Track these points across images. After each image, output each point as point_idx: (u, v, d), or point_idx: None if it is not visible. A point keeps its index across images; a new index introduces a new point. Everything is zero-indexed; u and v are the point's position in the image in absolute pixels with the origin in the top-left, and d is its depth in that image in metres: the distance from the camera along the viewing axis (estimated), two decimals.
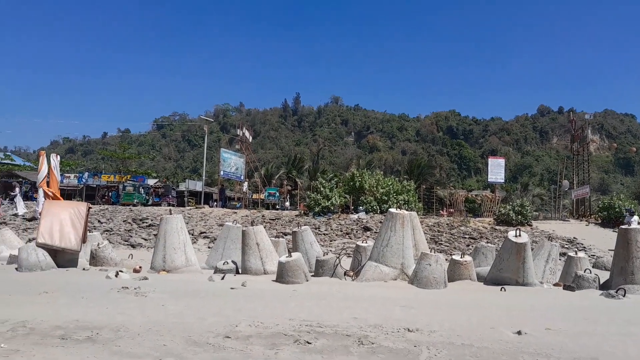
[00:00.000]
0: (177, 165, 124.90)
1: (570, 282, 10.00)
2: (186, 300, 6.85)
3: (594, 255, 19.63)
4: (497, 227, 25.90)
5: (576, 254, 11.91)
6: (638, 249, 9.25)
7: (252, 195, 40.99)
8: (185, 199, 38.52)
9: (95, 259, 11.59)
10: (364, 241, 11.89)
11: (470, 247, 20.46)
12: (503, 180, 39.08)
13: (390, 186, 30.80)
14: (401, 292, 8.47)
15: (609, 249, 18.80)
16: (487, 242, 18.14)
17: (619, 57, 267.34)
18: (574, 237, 23.97)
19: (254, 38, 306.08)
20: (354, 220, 26.12)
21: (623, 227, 9.96)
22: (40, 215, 11.92)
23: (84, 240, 11.39)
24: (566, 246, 21.46)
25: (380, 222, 20.23)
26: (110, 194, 36.99)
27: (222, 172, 36.99)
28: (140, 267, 10.80)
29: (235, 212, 29.13)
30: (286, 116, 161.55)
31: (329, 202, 28.29)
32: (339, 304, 6.88)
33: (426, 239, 15.53)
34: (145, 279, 9.03)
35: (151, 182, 43.96)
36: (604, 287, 9.60)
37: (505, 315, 6.40)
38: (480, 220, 28.81)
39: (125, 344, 4.46)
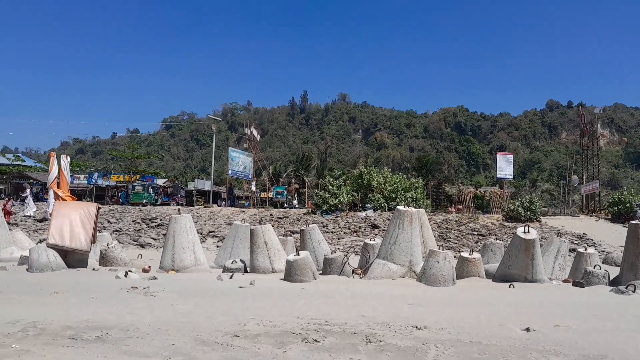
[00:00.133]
0: (185, 164, 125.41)
1: (580, 278, 9.93)
2: (195, 300, 6.89)
3: (603, 251, 19.49)
4: (506, 224, 25.77)
5: (586, 249, 11.83)
6: None
7: (260, 194, 41.08)
8: (194, 198, 38.64)
9: (104, 259, 11.68)
10: (372, 239, 11.88)
11: (478, 244, 20.38)
12: (512, 176, 38.85)
13: (398, 183, 30.72)
14: (409, 289, 8.46)
15: (619, 245, 18.65)
16: (496, 239, 18.09)
17: (628, 50, 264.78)
18: (584, 233, 23.81)
19: (261, 37, 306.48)
20: (361, 218, 26.10)
21: (633, 222, 9.88)
22: (50, 216, 12.03)
23: (93, 240, 11.47)
24: (576, 242, 21.32)
25: (388, 219, 20.19)
26: (119, 194, 37.18)
27: (230, 171, 37.09)
28: (149, 266, 10.87)
29: (244, 211, 29.21)
30: (294, 114, 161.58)
31: (337, 200, 28.29)
32: (347, 302, 6.89)
33: (434, 236, 15.50)
34: (155, 278, 9.09)
35: (160, 181, 44.14)
36: (614, 283, 9.53)
37: (513, 312, 6.38)
38: (488, 217, 28.68)
39: (134, 344, 4.50)
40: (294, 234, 21.18)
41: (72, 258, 10.83)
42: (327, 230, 23.01)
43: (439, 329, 5.28)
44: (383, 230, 21.85)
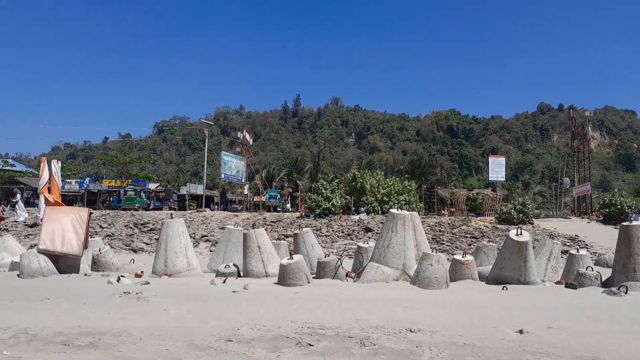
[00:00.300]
0: (178, 169, 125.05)
1: (572, 280, 9.98)
2: (188, 304, 6.85)
3: (595, 253, 19.61)
4: (499, 226, 25.87)
5: (578, 251, 11.90)
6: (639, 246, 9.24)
7: (253, 198, 40.98)
8: (187, 202, 38.50)
9: (97, 264, 11.60)
10: (366, 242, 11.89)
11: (471, 246, 20.44)
12: (504, 179, 39.03)
13: (392, 186, 30.77)
14: (403, 292, 8.46)
15: (611, 246, 18.77)
16: (489, 241, 18.15)
17: (618, 53, 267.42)
18: (576, 235, 23.95)
19: (253, 40, 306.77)
20: (355, 221, 26.10)
21: (625, 224, 9.94)
22: (41, 221, 11.95)
23: (85, 245, 11.40)
24: (568, 244, 21.43)
25: (382, 222, 20.22)
26: (111, 199, 36.99)
27: (223, 175, 36.98)
28: (142, 271, 10.80)
29: (237, 215, 29.13)
30: (286, 118, 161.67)
31: (330, 203, 28.28)
32: (341, 306, 6.88)
33: (428, 239, 15.51)
34: (147, 283, 9.04)
35: (152, 186, 43.99)
36: (606, 284, 9.58)
37: (507, 315, 6.39)
38: (481, 220, 28.78)
39: (127, 349, 4.47)
40: (287, 237, 21.13)
41: (64, 263, 10.75)
42: (320, 234, 22.99)
43: (433, 331, 5.28)
44: (376, 233, 21.87)
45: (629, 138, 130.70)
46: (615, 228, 23.11)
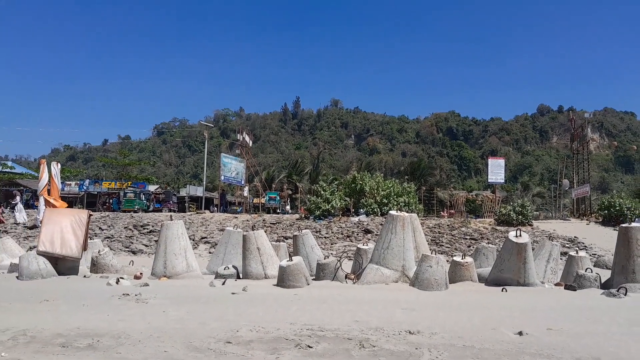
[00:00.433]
0: (177, 171, 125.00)
1: (572, 281, 9.98)
2: (187, 306, 6.85)
3: (595, 254, 19.62)
4: (498, 228, 25.89)
5: (577, 253, 11.90)
6: (639, 248, 9.24)
7: (252, 200, 41.02)
8: (186, 204, 38.50)
9: (96, 266, 11.59)
10: (365, 244, 11.89)
11: (471, 248, 20.45)
12: (503, 181, 39.08)
13: (391, 188, 30.79)
14: (402, 294, 8.46)
15: (610, 248, 18.78)
16: (488, 243, 18.12)
17: (618, 54, 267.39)
18: (575, 237, 23.95)
19: (253, 42, 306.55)
20: (354, 223, 26.11)
21: (624, 225, 9.94)
22: (41, 223, 11.95)
23: (84, 247, 11.39)
24: (567, 245, 21.45)
25: (381, 224, 20.23)
26: (111, 200, 36.97)
27: (222, 177, 37.01)
28: (141, 273, 10.80)
29: (236, 217, 29.13)
30: (286, 120, 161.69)
31: (330, 205, 28.30)
32: (340, 308, 6.88)
33: (427, 241, 15.51)
34: (146, 285, 9.03)
35: (152, 188, 43.96)
36: (606, 286, 9.58)
37: (506, 316, 6.39)
38: (481, 221, 28.80)
39: (126, 351, 4.47)
40: (286, 239, 21.14)
41: (63, 265, 10.74)
42: (320, 236, 23.00)
43: (432, 333, 5.28)
44: (376, 235, 21.88)
45: (629, 140, 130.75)
46: (614, 230, 23.15)
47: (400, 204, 28.92)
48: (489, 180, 39.02)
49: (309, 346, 4.69)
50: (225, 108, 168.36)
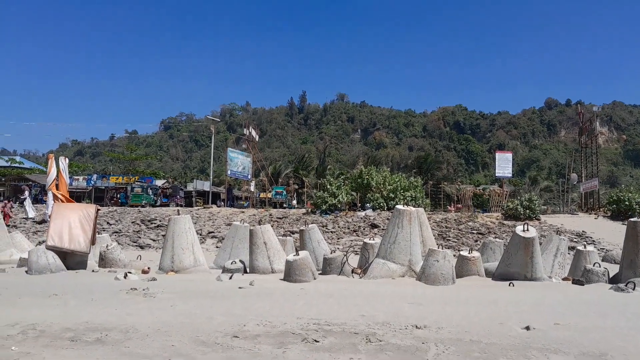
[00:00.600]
0: (184, 165, 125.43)
1: (579, 276, 9.94)
2: (194, 301, 6.88)
3: (603, 249, 19.50)
4: (505, 222, 25.78)
5: (585, 247, 11.83)
6: None
7: (259, 194, 41.13)
8: (193, 199, 38.66)
9: (104, 261, 11.67)
10: (372, 238, 11.88)
11: (478, 242, 20.39)
12: (511, 175, 38.94)
13: (398, 183, 30.74)
14: (409, 289, 8.45)
15: (618, 242, 18.66)
16: (495, 237, 18.11)
17: (626, 48, 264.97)
18: (583, 231, 23.83)
19: (260, 38, 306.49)
20: (361, 218, 26.11)
21: (632, 219, 9.86)
22: (49, 218, 12.02)
23: (93, 242, 11.47)
24: (575, 240, 21.34)
25: (388, 219, 20.20)
26: (118, 195, 37.20)
27: (229, 172, 37.10)
28: (148, 268, 10.85)
29: (243, 212, 29.21)
30: (292, 114, 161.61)
31: (336, 199, 28.30)
32: (347, 302, 6.88)
33: (434, 235, 15.50)
34: (154, 279, 9.08)
35: (159, 183, 44.17)
36: (614, 280, 9.53)
37: (513, 311, 6.37)
38: (488, 216, 28.70)
39: (134, 345, 4.50)
40: (293, 234, 21.18)
41: (72, 260, 10.82)
42: (326, 230, 23.02)
43: (439, 328, 5.27)
44: (382, 229, 21.86)
45: (638, 133, 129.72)
46: (622, 224, 23.00)
47: (407, 198, 28.88)
48: (497, 175, 38.87)
49: (315, 340, 4.70)
50: (232, 103, 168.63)
